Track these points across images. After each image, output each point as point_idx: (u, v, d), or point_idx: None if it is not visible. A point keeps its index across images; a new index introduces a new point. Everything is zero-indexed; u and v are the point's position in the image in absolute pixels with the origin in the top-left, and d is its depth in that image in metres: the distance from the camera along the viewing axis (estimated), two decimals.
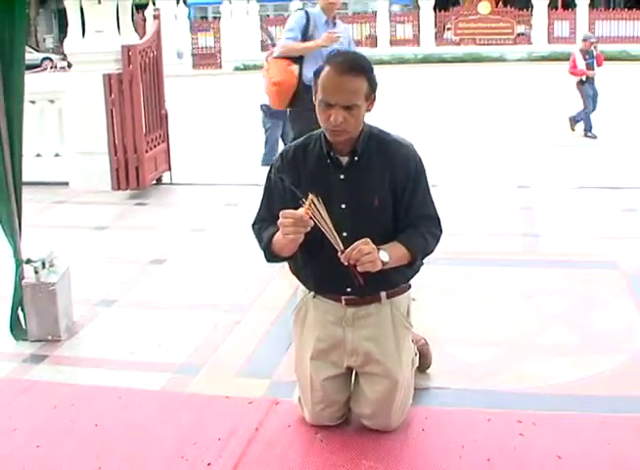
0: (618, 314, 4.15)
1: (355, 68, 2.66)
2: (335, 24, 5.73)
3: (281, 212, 2.63)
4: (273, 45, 8.42)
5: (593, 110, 11.00)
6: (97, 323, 4.28)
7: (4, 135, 3.80)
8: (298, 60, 5.61)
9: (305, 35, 5.64)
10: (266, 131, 8.55)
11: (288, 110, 5.74)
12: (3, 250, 4.11)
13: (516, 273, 4.82)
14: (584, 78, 11.05)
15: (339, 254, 2.62)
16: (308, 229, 2.61)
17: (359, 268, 2.62)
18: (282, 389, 3.36)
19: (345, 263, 2.61)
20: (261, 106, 8.35)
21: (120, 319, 4.34)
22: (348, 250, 2.60)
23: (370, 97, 2.72)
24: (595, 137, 10.72)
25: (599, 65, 11.22)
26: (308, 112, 5.80)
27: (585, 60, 11.07)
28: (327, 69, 2.68)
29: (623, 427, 3.02)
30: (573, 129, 11.13)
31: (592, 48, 11.16)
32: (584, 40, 11.64)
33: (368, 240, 2.62)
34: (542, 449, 2.87)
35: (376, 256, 2.62)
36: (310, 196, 2.58)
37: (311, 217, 2.58)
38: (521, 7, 30.31)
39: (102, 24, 7.25)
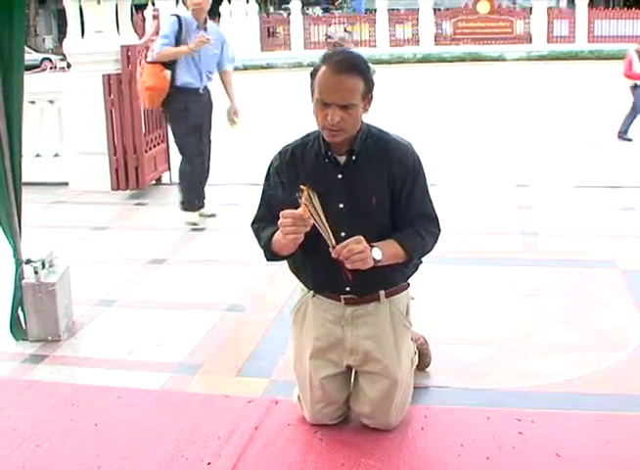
0: (617, 313, 4.15)
1: (352, 67, 2.67)
2: (206, 29, 6.00)
3: (281, 213, 2.63)
4: None
5: None
6: (97, 323, 4.29)
7: (3, 136, 3.80)
8: (171, 65, 5.86)
9: (179, 40, 5.98)
10: None
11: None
12: (3, 250, 4.11)
13: (515, 272, 4.83)
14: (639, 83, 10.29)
15: (330, 248, 2.63)
16: (308, 228, 2.61)
17: (348, 266, 2.63)
18: (281, 388, 3.36)
19: (335, 257, 2.63)
20: None
21: (120, 319, 4.35)
22: (339, 246, 2.61)
23: (367, 96, 2.72)
24: (630, 140, 10.07)
25: None
26: (180, 112, 6.18)
27: None
28: (323, 68, 2.68)
29: (622, 425, 3.03)
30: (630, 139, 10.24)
31: None
32: None
33: (361, 238, 2.63)
34: (541, 448, 2.87)
35: (367, 255, 2.63)
36: (306, 190, 2.59)
37: (309, 213, 2.59)
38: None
39: (101, 25, 7.26)
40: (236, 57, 6.55)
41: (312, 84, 2.72)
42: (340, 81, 2.64)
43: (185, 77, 5.96)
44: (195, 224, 6.18)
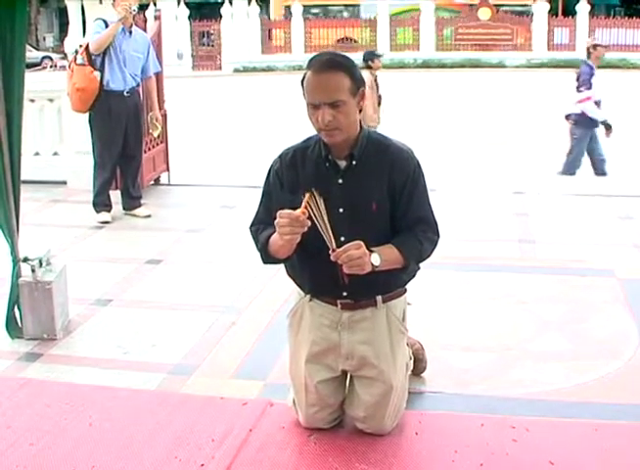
0: (613, 322, 4.16)
1: (333, 63, 2.67)
2: (131, 33, 6.20)
3: (278, 212, 2.64)
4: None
5: None
6: (92, 322, 4.29)
7: (3, 134, 3.80)
8: (100, 67, 5.99)
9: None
10: (574, 140, 8.38)
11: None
12: (0, 248, 4.11)
13: (512, 279, 4.83)
14: None
15: (330, 251, 2.63)
16: (305, 229, 2.61)
17: (345, 270, 2.64)
18: (276, 391, 3.36)
19: (334, 260, 2.63)
20: (569, 115, 8.28)
21: (116, 319, 4.34)
22: (339, 250, 2.62)
23: (357, 93, 2.71)
24: None
25: None
26: (106, 114, 6.13)
27: None
28: (308, 73, 2.69)
29: (617, 434, 3.03)
30: None
31: None
32: None
33: (361, 244, 2.63)
34: (535, 455, 2.87)
35: (365, 261, 2.63)
36: (308, 194, 2.60)
37: (309, 215, 2.59)
38: (521, 13, 30.37)
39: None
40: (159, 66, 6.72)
41: (303, 92, 2.73)
42: (323, 80, 2.65)
43: (110, 79, 6.08)
44: (106, 222, 6.28)
